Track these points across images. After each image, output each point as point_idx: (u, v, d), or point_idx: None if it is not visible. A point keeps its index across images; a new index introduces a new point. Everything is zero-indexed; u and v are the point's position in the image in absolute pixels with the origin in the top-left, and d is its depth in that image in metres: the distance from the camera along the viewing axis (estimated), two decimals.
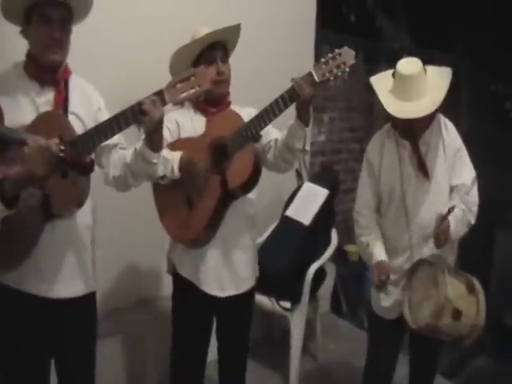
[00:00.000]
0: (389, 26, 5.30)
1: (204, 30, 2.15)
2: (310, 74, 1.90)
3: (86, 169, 1.67)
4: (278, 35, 3.56)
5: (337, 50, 1.90)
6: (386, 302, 2.26)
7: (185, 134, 2.19)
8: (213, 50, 2.14)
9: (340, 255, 4.15)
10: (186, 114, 2.21)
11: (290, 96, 1.92)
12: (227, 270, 2.21)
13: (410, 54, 4.73)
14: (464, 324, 2.04)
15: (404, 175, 2.21)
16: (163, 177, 2.05)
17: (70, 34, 1.85)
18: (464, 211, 2.18)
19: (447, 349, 3.14)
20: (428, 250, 2.20)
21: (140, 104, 1.68)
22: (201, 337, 2.33)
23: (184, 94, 1.71)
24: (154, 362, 3.01)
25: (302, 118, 1.98)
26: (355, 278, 4.10)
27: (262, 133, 2.07)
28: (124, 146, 1.98)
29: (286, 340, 3.18)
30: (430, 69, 2.16)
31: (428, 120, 2.16)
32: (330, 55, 1.89)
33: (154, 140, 1.77)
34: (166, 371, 2.47)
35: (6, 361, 1.97)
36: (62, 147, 1.53)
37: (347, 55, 1.89)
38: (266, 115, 1.97)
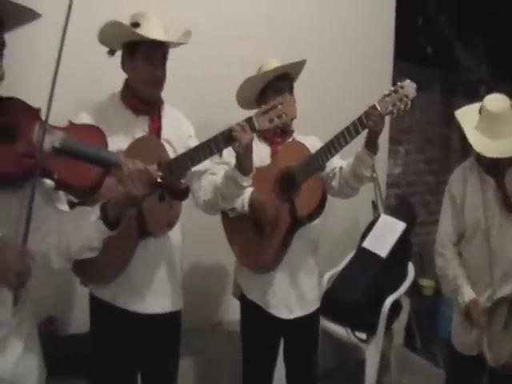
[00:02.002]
0: (467, 57, 5.25)
1: (273, 62, 2.27)
2: (374, 107, 1.97)
3: (182, 194, 1.72)
4: (356, 67, 3.63)
5: (399, 83, 1.96)
6: (467, 338, 2.24)
7: None
8: (280, 82, 2.24)
9: (414, 289, 4.09)
10: None
11: (356, 129, 1.99)
12: (294, 293, 2.28)
13: (489, 85, 4.66)
14: None
15: (488, 211, 2.19)
16: (233, 209, 2.15)
17: (166, 69, 2.00)
18: None
19: None
20: (510, 288, 2.16)
21: (230, 130, 1.76)
22: (268, 358, 2.41)
23: (272, 123, 1.76)
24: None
25: (370, 146, 2.06)
26: (429, 312, 4.04)
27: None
28: (213, 172, 2.07)
29: (360, 371, 3.17)
30: None
31: None
32: (392, 88, 1.95)
33: (244, 164, 1.86)
34: None
35: (98, 372, 2.11)
36: (159, 172, 1.58)
37: (409, 88, 1.94)
38: (333, 147, 2.05)
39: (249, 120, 1.77)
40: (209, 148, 1.76)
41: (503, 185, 2.17)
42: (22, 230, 1.32)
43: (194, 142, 2.00)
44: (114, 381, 2.07)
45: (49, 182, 1.47)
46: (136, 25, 1.89)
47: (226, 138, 1.76)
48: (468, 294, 2.21)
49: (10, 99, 1.41)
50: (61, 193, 1.59)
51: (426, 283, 4.25)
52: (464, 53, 5.22)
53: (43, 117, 1.38)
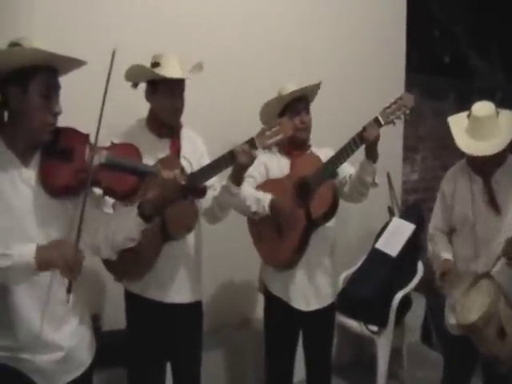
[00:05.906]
0: (482, 65, 5.38)
1: (290, 86, 2.55)
2: (376, 119, 2.22)
3: (201, 192, 2.08)
4: (370, 81, 3.87)
5: (398, 96, 2.19)
6: (453, 319, 2.42)
7: (273, 174, 2.58)
8: (297, 103, 2.54)
9: (432, 290, 4.27)
10: (273, 157, 2.61)
11: (360, 138, 2.24)
12: (311, 288, 2.55)
13: (504, 91, 4.79)
14: (505, 346, 2.18)
15: (475, 208, 2.39)
16: (255, 213, 2.47)
17: (184, 99, 2.31)
18: None
19: None
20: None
21: (233, 151, 2.05)
22: (288, 347, 2.67)
23: (271, 140, 2.06)
24: (254, 373, 3.35)
25: (370, 155, 2.30)
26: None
27: (337, 170, 2.42)
28: (216, 187, 2.33)
29: (374, 364, 3.39)
30: (503, 112, 2.35)
31: (499, 159, 2.35)
32: (392, 100, 2.19)
33: (238, 177, 2.16)
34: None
35: (132, 361, 2.42)
36: (183, 177, 1.90)
37: (407, 99, 2.18)
38: (341, 156, 2.31)
39: (251, 140, 2.07)
40: (218, 165, 2.07)
41: (490, 185, 2.37)
42: (76, 229, 1.63)
43: (205, 159, 2.31)
44: (146, 369, 2.36)
45: (97, 191, 1.80)
46: (156, 64, 2.21)
47: (230, 157, 2.06)
48: (443, 255, 2.45)
49: (66, 128, 1.77)
50: (106, 199, 1.94)
51: None
52: (479, 61, 5.37)
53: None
